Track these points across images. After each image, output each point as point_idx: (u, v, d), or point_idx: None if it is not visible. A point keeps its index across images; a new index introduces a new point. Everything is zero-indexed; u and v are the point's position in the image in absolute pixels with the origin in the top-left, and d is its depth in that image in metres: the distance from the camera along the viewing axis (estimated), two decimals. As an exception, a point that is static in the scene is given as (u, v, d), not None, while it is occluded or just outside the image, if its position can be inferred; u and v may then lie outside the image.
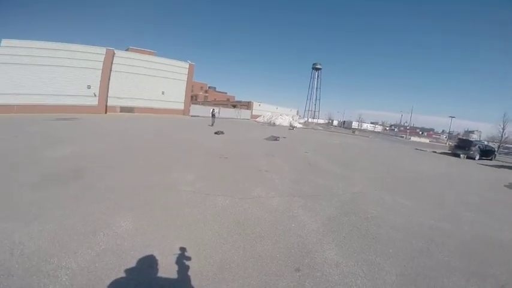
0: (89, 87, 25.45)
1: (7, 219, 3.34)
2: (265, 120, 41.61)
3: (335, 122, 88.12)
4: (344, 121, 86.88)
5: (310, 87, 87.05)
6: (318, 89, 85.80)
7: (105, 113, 26.63)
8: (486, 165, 16.93)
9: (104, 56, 26.25)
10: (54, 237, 3.02)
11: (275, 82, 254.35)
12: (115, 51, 27.38)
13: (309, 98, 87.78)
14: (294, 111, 63.45)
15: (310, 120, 70.41)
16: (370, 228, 4.11)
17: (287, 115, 46.77)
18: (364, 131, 65.44)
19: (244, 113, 47.47)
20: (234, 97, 77.64)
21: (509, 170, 15.21)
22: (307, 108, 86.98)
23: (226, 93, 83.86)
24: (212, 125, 22.19)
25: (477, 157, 19.82)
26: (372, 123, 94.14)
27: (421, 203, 5.82)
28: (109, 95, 27.21)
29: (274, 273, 2.75)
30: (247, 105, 52.04)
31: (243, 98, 64.00)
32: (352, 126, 73.09)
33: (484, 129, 63.42)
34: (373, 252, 3.35)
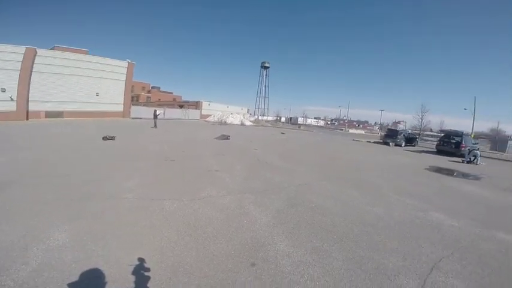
0: (3, 90, 21.62)
1: None
2: (216, 119, 41.00)
3: (283, 119, 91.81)
4: (291, 117, 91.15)
5: (259, 85, 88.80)
6: (267, 87, 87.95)
7: (27, 119, 22.97)
8: (410, 151, 19.54)
9: (22, 55, 22.56)
10: None
11: (225, 81, 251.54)
12: (37, 50, 23.75)
13: (258, 96, 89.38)
14: (245, 110, 63.93)
15: (260, 117, 71.93)
16: (315, 217, 4.35)
17: (238, 114, 46.91)
18: (309, 125, 69.74)
19: (193, 113, 45.99)
20: (180, 97, 74.71)
21: (428, 154, 17.85)
22: (257, 106, 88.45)
23: (172, 93, 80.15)
24: (155, 126, 21.26)
25: (403, 144, 22.80)
26: (315, 118, 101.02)
27: (358, 190, 6.39)
28: (30, 98, 23.50)
29: (231, 269, 2.74)
30: (196, 105, 50.54)
31: (191, 98, 62.06)
32: (298, 122, 77.23)
33: (408, 120, 73.53)
34: (320, 240, 3.55)
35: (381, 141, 25.21)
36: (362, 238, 3.71)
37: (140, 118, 32.89)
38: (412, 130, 41.76)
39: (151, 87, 77.87)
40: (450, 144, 18.25)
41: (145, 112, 36.17)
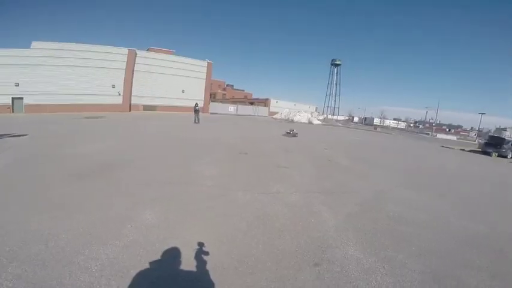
0: (113, 86, 26.60)
1: (41, 211, 3.60)
2: (283, 116, 41.23)
3: (356, 119, 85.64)
4: (365, 117, 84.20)
5: (329, 83, 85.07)
6: (338, 85, 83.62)
7: (129, 111, 27.75)
8: (520, 163, 15.72)
9: (126, 56, 27.31)
10: (85, 229, 3.18)
11: (293, 79, 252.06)
12: (137, 52, 28.38)
13: (328, 94, 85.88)
14: (313, 108, 62.35)
15: (329, 116, 68.91)
16: (392, 226, 4.01)
17: (305, 111, 46.08)
18: (387, 127, 63.03)
19: (262, 110, 47.40)
20: (251, 94, 77.65)
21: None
22: (326, 105, 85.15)
23: (243, 90, 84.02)
24: (196, 121, 19.11)
25: (510, 155, 18.47)
26: (394, 119, 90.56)
27: (447, 202, 5.59)
28: (132, 94, 28.33)
29: (293, 267, 2.77)
30: (265, 103, 51.87)
31: (261, 96, 63.85)
32: (374, 123, 70.69)
33: (517, 127, 59.01)
34: (395, 250, 3.28)
35: (480, 150, 20.99)
36: (448, 254, 3.28)
37: (216, 113, 35.80)
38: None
39: (226, 85, 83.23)
40: None
41: (221, 108, 39.24)
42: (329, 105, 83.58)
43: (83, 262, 2.55)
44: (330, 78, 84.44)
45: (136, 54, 28.28)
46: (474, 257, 3.27)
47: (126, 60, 27.34)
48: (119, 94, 27.09)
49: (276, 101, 52.37)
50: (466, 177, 8.90)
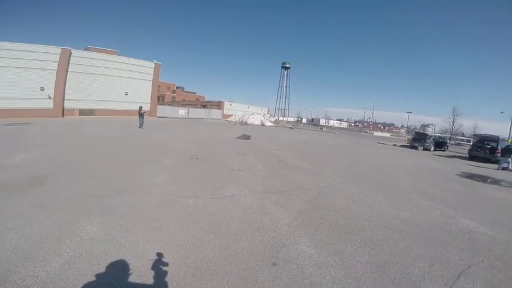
0: (42, 89, 23.34)
1: None
2: (237, 119, 41.48)
3: (304, 120, 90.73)
4: (312, 119, 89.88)
5: (280, 86, 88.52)
6: (288, 88, 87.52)
7: (63, 116, 24.66)
8: (440, 155, 18.60)
9: (59, 55, 24.25)
10: (17, 246, 2.82)
11: (246, 81, 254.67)
12: (72, 51, 25.42)
13: (278, 96, 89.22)
14: (265, 110, 64.02)
15: (280, 118, 71.65)
16: (339, 220, 4.31)
17: (258, 114, 47.07)
18: (331, 127, 68.38)
19: (215, 113, 46.88)
20: (204, 97, 76.32)
21: (460, 160, 16.88)
22: (277, 107, 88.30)
23: (195, 93, 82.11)
24: (141, 126, 17.98)
25: (432, 148, 21.72)
26: (338, 120, 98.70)
27: (383, 194, 6.22)
28: (66, 97, 25.20)
29: (252, 268, 2.78)
30: (218, 105, 51.46)
31: (214, 98, 63.26)
32: (320, 123, 75.85)
33: (437, 123, 69.78)
34: (343, 243, 3.52)
35: (408, 144, 24.21)
36: (387, 243, 3.63)
37: (166, 117, 34.14)
38: (442, 134, 39.58)
39: (176, 87, 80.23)
40: (484, 149, 17.19)
41: (171, 111, 37.57)
42: (280, 107, 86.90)
43: (20, 281, 2.27)
44: (281, 81, 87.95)
45: (71, 53, 25.27)
46: (407, 244, 3.70)
47: (58, 60, 24.24)
48: (49, 97, 23.84)
49: (230, 103, 52.38)
50: (398, 170, 10.11)
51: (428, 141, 21.85)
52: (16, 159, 6.72)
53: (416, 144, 21.93)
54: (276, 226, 3.89)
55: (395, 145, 24.56)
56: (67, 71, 25.11)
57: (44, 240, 3.00)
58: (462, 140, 44.93)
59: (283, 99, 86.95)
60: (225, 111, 49.41)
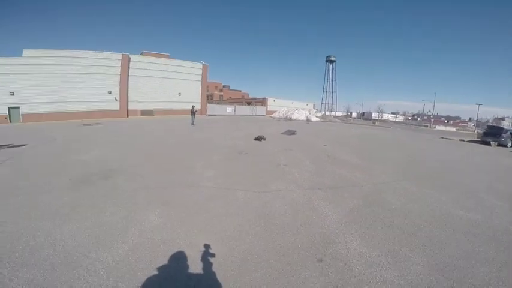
0: (109, 92, 26.58)
1: (47, 217, 3.63)
2: (281, 115, 41.33)
3: (354, 114, 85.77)
4: (363, 112, 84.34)
5: (325, 80, 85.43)
6: (334, 82, 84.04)
7: (127, 116, 27.74)
8: (520, 151, 15.81)
9: (120, 61, 27.23)
10: (91, 233, 3.24)
11: (290, 77, 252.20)
12: (130, 56, 28.32)
13: (324, 91, 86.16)
14: (311, 105, 62.55)
15: (327, 113, 69.05)
16: (394, 219, 4.01)
17: (303, 109, 46.18)
18: (385, 121, 63.18)
19: (260, 110, 47.46)
20: (248, 94, 77.71)
21: (547, 156, 14.11)
22: (323, 102, 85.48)
23: (240, 91, 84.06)
24: (193, 123, 19.22)
25: (509, 144, 18.55)
26: (392, 113, 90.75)
27: (448, 193, 5.57)
28: (129, 99, 28.29)
29: (296, 263, 2.77)
30: (262, 102, 51.94)
31: (258, 95, 63.89)
32: (372, 117, 70.83)
33: (515, 116, 59.25)
34: (398, 243, 3.28)
35: (479, 140, 21.08)
36: (449, 244, 3.28)
37: (215, 115, 35.82)
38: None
39: (223, 86, 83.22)
40: None
41: (219, 109, 39.27)
42: (326, 102, 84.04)
43: (90, 266, 2.61)
44: (326, 75, 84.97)
45: (130, 58, 28.22)
46: (474, 247, 3.28)
47: (120, 65, 27.25)
48: (116, 100, 27.06)
49: (273, 99, 52.47)
50: (466, 168, 8.91)
51: (505, 135, 18.63)
52: (89, 156, 7.80)
53: (489, 139, 18.92)
54: (324, 222, 3.80)
55: (463, 140, 21.61)
56: (128, 75, 28.06)
57: (113, 228, 3.41)
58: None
59: (330, 94, 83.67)
60: (269, 108, 49.63)
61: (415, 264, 2.81)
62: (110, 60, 26.65)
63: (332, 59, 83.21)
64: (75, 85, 24.52)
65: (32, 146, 9.44)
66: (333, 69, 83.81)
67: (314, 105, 67.17)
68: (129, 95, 28.30)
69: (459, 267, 2.78)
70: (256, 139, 12.26)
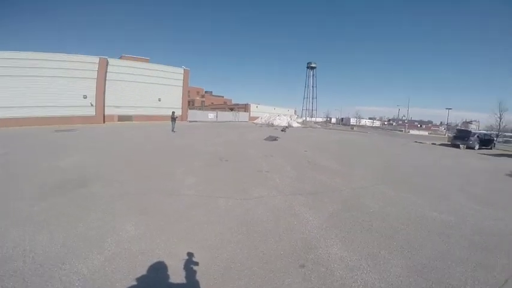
0: (85, 97, 25.41)
1: (17, 227, 3.38)
2: (264, 121, 41.65)
3: (333, 120, 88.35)
4: (342, 118, 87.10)
5: (306, 86, 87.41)
6: (314, 88, 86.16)
7: (104, 122, 26.64)
8: (486, 154, 16.96)
9: (97, 65, 26.22)
10: (65, 243, 3.08)
11: (271, 83, 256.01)
12: (108, 60, 27.36)
13: (305, 97, 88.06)
14: (292, 111, 63.51)
15: (308, 119, 70.48)
16: (373, 223, 4.12)
17: (285, 115, 46.81)
18: (363, 126, 65.61)
19: (242, 116, 47.49)
20: (231, 100, 77.68)
21: (509, 158, 15.23)
22: (304, 108, 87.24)
23: (223, 96, 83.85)
24: (173, 130, 18.77)
25: (477, 147, 19.88)
26: (369, 118, 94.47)
27: (422, 196, 5.82)
28: (106, 104, 27.20)
29: (279, 270, 2.76)
30: (245, 108, 52.08)
31: (240, 101, 64.14)
32: (351, 123, 73.22)
33: (482, 119, 63.70)
34: (377, 246, 3.36)
35: (449, 143, 22.40)
36: (426, 246, 3.40)
37: (196, 121, 35.34)
38: (487, 131, 36.03)
39: (205, 92, 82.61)
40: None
41: (201, 115, 38.82)
42: (307, 108, 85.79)
43: (65, 277, 2.47)
44: (307, 81, 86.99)
45: (108, 62, 27.23)
46: (449, 247, 3.43)
47: (97, 69, 26.18)
48: (91, 105, 25.91)
49: (256, 105, 52.79)
50: (438, 171, 9.36)
51: (472, 138, 20.01)
52: (63, 163, 7.38)
53: (458, 143, 20.22)
54: (305, 228, 3.82)
55: (435, 144, 22.84)
56: (105, 79, 27.05)
57: (88, 238, 3.25)
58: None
59: (310, 100, 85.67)
60: (252, 114, 49.85)
61: (394, 267, 2.88)
62: (86, 64, 25.49)
63: (313, 65, 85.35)
64: (48, 89, 23.20)
65: (1, 153, 8.78)
66: (313, 75, 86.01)
67: (295, 111, 68.36)
68: (106, 100, 27.20)
69: (436, 268, 2.89)
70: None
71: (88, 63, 25.65)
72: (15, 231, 3.31)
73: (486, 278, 2.73)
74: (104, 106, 26.99)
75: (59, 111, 23.75)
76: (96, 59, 26.24)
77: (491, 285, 2.62)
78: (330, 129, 41.93)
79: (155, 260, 2.83)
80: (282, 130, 25.77)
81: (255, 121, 44.53)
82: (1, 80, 21.00)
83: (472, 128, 47.19)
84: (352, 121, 78.15)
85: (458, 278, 2.73)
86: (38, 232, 3.32)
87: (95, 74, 26.09)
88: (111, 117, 27.69)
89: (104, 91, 26.96)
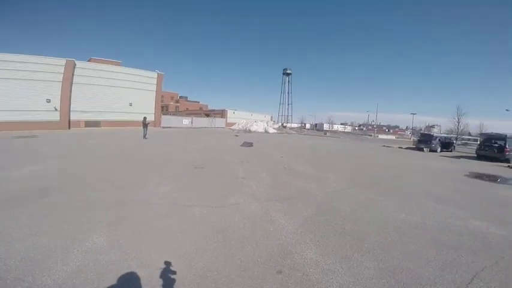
0: (48, 101, 23.78)
1: None
2: (241, 127, 41.68)
3: (308, 125, 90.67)
4: (316, 124, 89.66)
5: (282, 92, 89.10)
6: (290, 94, 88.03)
7: (69, 128, 25.05)
8: (447, 156, 18.33)
9: (63, 67, 24.71)
10: (25, 256, 2.87)
11: (248, 89, 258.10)
12: (76, 62, 25.93)
13: (281, 103, 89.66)
14: (268, 117, 64.34)
15: (284, 124, 71.76)
16: (345, 226, 4.24)
17: (262, 121, 47.25)
18: (335, 132, 68.13)
19: (219, 122, 47.17)
20: (207, 106, 77.00)
21: (467, 160, 16.61)
22: (280, 114, 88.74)
23: (198, 102, 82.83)
24: (145, 137, 18.38)
25: (439, 150, 21.44)
26: (341, 124, 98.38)
27: (390, 197, 6.12)
28: (72, 108, 25.66)
29: (257, 276, 2.75)
30: (222, 114, 51.84)
31: (217, 107, 63.66)
32: (324, 128, 75.67)
33: (443, 123, 69.15)
34: (350, 249, 3.46)
35: (414, 146, 23.96)
36: (395, 247, 3.56)
37: (170, 127, 34.41)
38: (448, 134, 39.13)
39: (179, 97, 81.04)
40: (492, 148, 16.95)
41: (175, 121, 37.91)
42: (283, 114, 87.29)
43: None
44: (283, 87, 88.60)
45: (75, 65, 25.77)
46: (417, 248, 3.61)
47: (63, 72, 24.65)
48: (56, 109, 24.24)
49: (233, 111, 52.76)
50: (404, 173, 9.93)
51: (434, 142, 21.59)
52: (24, 171, 6.80)
53: (422, 146, 21.70)
54: (281, 233, 3.84)
55: (401, 147, 24.30)
56: (72, 83, 25.54)
57: (51, 249, 3.04)
58: (469, 140, 44.23)
59: (286, 106, 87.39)
60: (229, 120, 49.73)
61: (367, 269, 2.97)
62: (51, 66, 23.85)
63: (288, 71, 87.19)
64: (7, 92, 21.40)
65: None
66: (289, 81, 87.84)
67: (272, 117, 69.36)
68: (72, 104, 25.63)
69: (406, 269, 3.02)
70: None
71: (53, 65, 24.12)
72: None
73: (454, 277, 2.89)
74: (69, 111, 25.43)
75: (19, 116, 21.97)
76: (62, 61, 24.74)
77: (460, 283, 2.77)
78: (304, 134, 42.96)
79: (126, 271, 2.70)
80: (265, 133, 25.61)
81: (232, 127, 44.43)
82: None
83: (434, 131, 50.95)
84: (325, 127, 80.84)
85: (427, 277, 2.85)
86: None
87: (61, 77, 24.54)
88: (77, 122, 26.11)
89: (70, 95, 25.46)
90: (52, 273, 2.61)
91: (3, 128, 20.31)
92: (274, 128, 45.71)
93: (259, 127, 40.86)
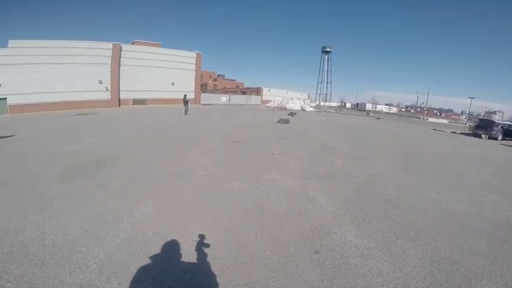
0: (100, 82, 25.84)
1: (38, 209, 3.51)
2: (276, 105, 41.06)
3: (348, 105, 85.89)
4: (357, 103, 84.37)
5: (321, 70, 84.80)
6: (329, 72, 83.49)
7: (119, 106, 27.14)
8: (510, 145, 16.11)
9: (111, 50, 26.41)
10: (82, 226, 3.13)
11: (285, 67, 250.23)
12: (121, 46, 27.44)
13: (319, 81, 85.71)
14: (305, 95, 62.22)
15: (322, 103, 69.04)
16: (389, 211, 4.02)
17: (298, 99, 45.96)
18: (379, 112, 63.46)
19: (254, 99, 46.99)
20: (243, 84, 76.81)
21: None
22: (318, 92, 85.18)
23: (235, 80, 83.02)
24: (186, 113, 19.02)
25: (500, 138, 18.88)
26: (386, 104, 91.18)
27: (440, 185, 5.61)
28: (121, 88, 27.61)
29: (293, 255, 2.74)
30: (257, 91, 51.42)
31: (253, 85, 63.31)
32: (366, 108, 71.06)
33: (506, 110, 60.25)
34: (394, 235, 3.28)
35: (471, 132, 21.40)
36: (443, 237, 3.28)
37: (209, 104, 35.36)
38: None
39: (217, 76, 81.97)
40: None
41: (213, 99, 38.74)
42: (321, 92, 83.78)
43: (82, 260, 2.52)
44: (321, 65, 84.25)
45: (121, 48, 27.33)
46: (467, 240, 3.32)
47: (111, 55, 26.42)
48: (107, 89, 26.37)
49: (268, 89, 51.98)
50: (458, 159, 9.02)
51: (496, 129, 18.93)
52: (83, 144, 7.62)
53: (481, 132, 19.25)
54: (320, 213, 3.77)
55: (455, 132, 21.92)
56: (119, 65, 27.30)
57: (105, 220, 3.30)
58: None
59: (325, 84, 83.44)
60: (264, 97, 49.21)
61: (410, 257, 2.81)
62: (100, 50, 25.74)
63: (328, 49, 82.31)
64: (65, 75, 23.69)
65: (22, 136, 9.17)
66: (328, 60, 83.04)
67: (309, 95, 66.95)
68: (120, 84, 27.60)
69: (452, 260, 2.79)
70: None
71: (102, 49, 25.87)
72: (35, 214, 3.38)
73: (503, 272, 2.62)
74: (118, 90, 27.40)
75: (76, 96, 24.32)
76: (109, 45, 26.39)
77: (507, 281, 2.51)
78: (344, 114, 40.88)
79: (169, 242, 2.86)
80: (289, 114, 25.02)
81: (267, 104, 44.03)
82: (20, 67, 21.56)
83: (496, 118, 44.77)
84: (368, 107, 75.76)
85: (475, 271, 2.62)
86: (57, 215, 3.38)
87: (109, 60, 26.36)
88: (126, 101, 28.15)
89: (119, 76, 27.28)
90: (103, 243, 2.79)
91: (61, 107, 22.74)
92: (311, 106, 44.23)
93: (295, 105, 39.75)
